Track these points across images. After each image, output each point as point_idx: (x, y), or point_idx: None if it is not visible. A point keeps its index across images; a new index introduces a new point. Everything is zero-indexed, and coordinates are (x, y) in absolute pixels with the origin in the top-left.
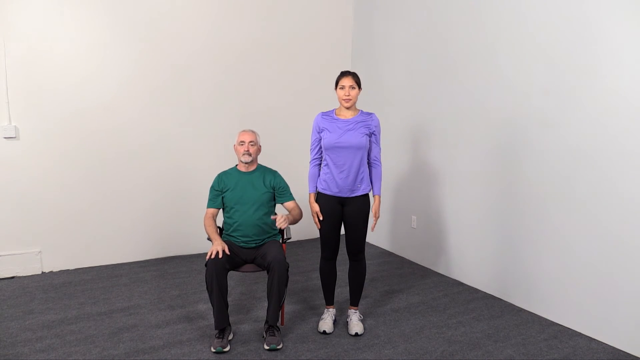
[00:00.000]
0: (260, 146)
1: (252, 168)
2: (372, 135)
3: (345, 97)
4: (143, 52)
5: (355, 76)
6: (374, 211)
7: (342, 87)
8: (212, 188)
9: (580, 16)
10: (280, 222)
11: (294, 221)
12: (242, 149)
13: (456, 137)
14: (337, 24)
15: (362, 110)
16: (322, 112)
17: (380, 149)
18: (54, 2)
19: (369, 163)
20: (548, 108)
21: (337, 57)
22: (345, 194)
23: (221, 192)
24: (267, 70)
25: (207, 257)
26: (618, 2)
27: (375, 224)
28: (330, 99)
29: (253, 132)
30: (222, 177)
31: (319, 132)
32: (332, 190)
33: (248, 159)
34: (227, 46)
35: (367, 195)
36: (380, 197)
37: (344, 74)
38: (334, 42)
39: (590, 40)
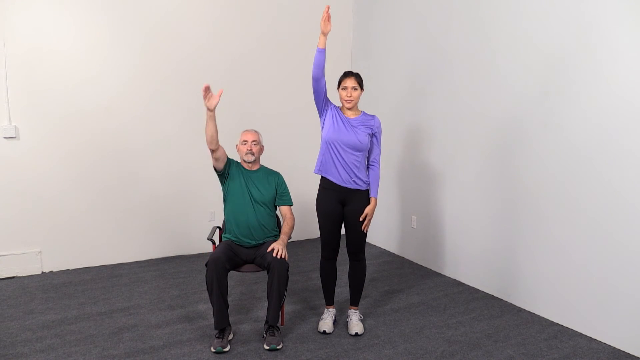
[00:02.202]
0: (262, 146)
1: (255, 168)
2: (374, 136)
3: (347, 98)
4: (144, 53)
5: (358, 77)
6: (366, 212)
7: (345, 88)
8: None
9: (580, 16)
10: (280, 253)
11: (288, 235)
12: (244, 149)
13: (456, 137)
14: (337, 24)
15: (364, 112)
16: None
17: (380, 150)
18: (54, 2)
19: (368, 164)
20: (547, 109)
21: (337, 57)
22: (342, 184)
23: (229, 166)
24: (267, 70)
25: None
26: (618, 2)
27: (367, 224)
28: (330, 99)
29: (256, 131)
30: (232, 161)
31: (328, 104)
32: (329, 173)
33: (251, 158)
34: (227, 46)
35: (368, 195)
36: (376, 199)
37: (347, 74)
38: (334, 42)
39: (590, 40)
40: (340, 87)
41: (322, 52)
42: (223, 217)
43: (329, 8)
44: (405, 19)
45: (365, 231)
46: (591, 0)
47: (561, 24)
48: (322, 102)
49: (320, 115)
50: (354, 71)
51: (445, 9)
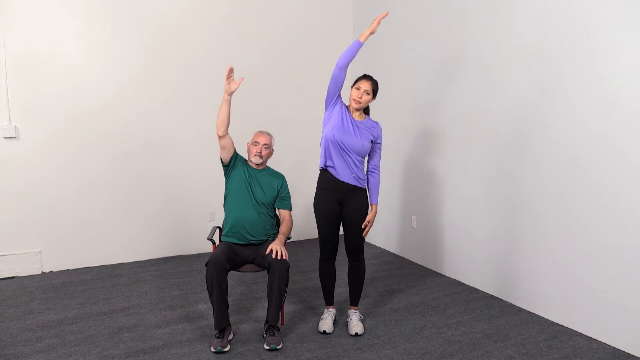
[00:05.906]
0: (272, 150)
1: (261, 168)
2: (375, 142)
3: (356, 98)
4: (145, 53)
5: (374, 84)
6: (367, 220)
7: (358, 88)
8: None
9: (579, 17)
10: (280, 253)
11: (286, 235)
12: (254, 150)
13: (456, 137)
14: (337, 24)
15: (369, 117)
16: None
17: (380, 157)
18: (54, 2)
19: (368, 171)
20: (547, 110)
21: (337, 57)
22: (344, 179)
23: (235, 159)
24: (268, 70)
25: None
26: (617, 2)
27: (367, 231)
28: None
29: (269, 135)
30: (240, 157)
31: (339, 99)
32: (331, 165)
33: (258, 160)
34: (229, 47)
35: (366, 196)
36: (377, 206)
37: (365, 76)
38: (334, 43)
39: (589, 41)
40: (354, 87)
41: (360, 46)
42: (223, 217)
43: (387, 14)
44: (405, 20)
45: (364, 237)
46: (590, 0)
47: (561, 25)
48: (336, 94)
49: (328, 106)
50: (373, 77)
51: (445, 9)
